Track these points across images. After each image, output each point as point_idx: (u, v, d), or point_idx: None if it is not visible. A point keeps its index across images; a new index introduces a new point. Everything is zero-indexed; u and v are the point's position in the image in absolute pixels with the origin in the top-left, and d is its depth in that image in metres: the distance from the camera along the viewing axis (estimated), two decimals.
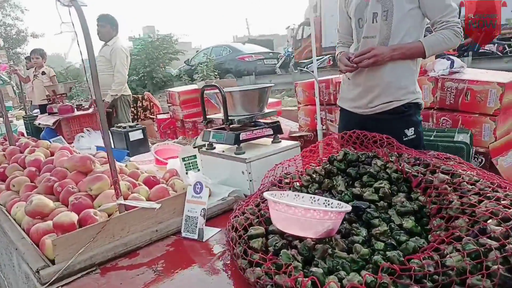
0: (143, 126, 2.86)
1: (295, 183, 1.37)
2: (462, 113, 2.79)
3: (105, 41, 4.03)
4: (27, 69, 6.41)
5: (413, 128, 1.75)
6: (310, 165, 1.49)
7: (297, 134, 3.72)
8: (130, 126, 2.84)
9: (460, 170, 1.22)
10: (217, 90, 1.74)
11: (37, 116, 4.00)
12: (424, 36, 1.72)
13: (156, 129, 6.23)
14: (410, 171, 1.24)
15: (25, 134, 3.72)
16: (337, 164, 1.39)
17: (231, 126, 1.77)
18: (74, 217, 1.19)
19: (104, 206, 1.30)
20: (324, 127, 3.54)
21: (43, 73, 5.66)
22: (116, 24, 4.01)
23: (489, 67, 6.11)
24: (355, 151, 1.44)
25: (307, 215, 0.96)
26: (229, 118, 1.74)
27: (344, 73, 1.84)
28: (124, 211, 1.29)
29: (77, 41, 1.31)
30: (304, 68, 12.81)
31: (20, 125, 4.44)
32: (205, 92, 1.85)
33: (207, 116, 1.90)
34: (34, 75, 5.76)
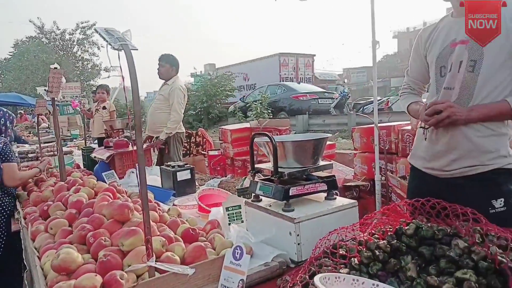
0: (191, 166, 2.79)
1: (352, 258, 1.14)
2: None
3: (165, 80, 4.15)
4: (94, 102, 6.83)
5: (503, 199, 1.44)
6: (373, 236, 1.26)
7: (353, 184, 3.44)
8: (179, 166, 2.78)
9: None
10: (267, 139, 1.59)
11: (94, 148, 4.13)
12: None
13: (207, 165, 6.24)
14: (506, 261, 0.97)
15: (81, 166, 3.83)
16: (407, 240, 1.14)
17: (280, 178, 1.59)
18: (98, 281, 1.06)
19: (133, 266, 1.16)
20: (383, 177, 3.23)
21: (104, 107, 5.97)
22: (176, 64, 4.13)
23: None
24: (428, 223, 1.19)
25: None
26: (279, 170, 1.57)
27: (425, 128, 1.59)
28: (154, 274, 1.15)
29: (123, 86, 1.26)
30: (360, 109, 12.54)
31: (77, 156, 4.63)
32: (255, 139, 1.71)
33: (256, 165, 1.75)
34: (96, 109, 6.09)
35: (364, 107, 12.47)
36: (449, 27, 1.54)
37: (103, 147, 3.90)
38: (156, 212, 1.70)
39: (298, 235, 1.46)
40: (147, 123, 4.37)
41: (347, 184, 3.41)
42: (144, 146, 4.03)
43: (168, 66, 4.08)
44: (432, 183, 1.59)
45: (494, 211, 1.43)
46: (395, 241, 1.14)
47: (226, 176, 5.48)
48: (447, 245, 1.08)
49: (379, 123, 3.52)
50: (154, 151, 4.23)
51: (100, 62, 30.11)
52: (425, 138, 1.61)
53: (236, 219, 1.87)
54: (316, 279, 0.87)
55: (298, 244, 1.46)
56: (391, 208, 1.29)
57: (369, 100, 12.58)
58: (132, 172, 3.23)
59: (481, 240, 1.07)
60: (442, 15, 1.63)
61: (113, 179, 2.98)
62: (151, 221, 1.44)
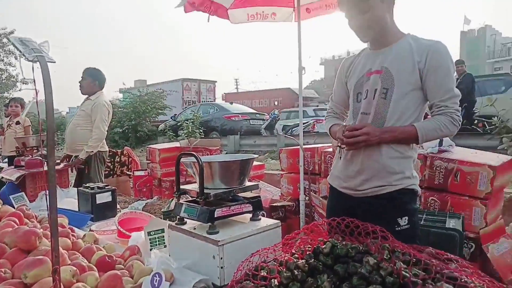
0: (113, 187, 2.64)
1: (273, 280, 1.16)
2: (451, 194, 2.66)
3: (87, 94, 3.91)
4: (6, 117, 6.19)
5: (407, 218, 1.58)
6: (293, 256, 1.29)
7: (279, 204, 3.52)
8: (99, 187, 2.62)
9: (466, 278, 1.04)
10: (194, 159, 1.57)
11: (2, 168, 3.73)
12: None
13: (132, 186, 5.95)
14: (409, 275, 1.05)
15: None
16: (323, 258, 1.19)
17: (206, 200, 1.57)
18: None
19: None
20: (307, 198, 3.36)
21: (18, 122, 5.44)
22: (99, 78, 3.92)
23: (471, 143, 6.23)
24: (344, 242, 1.26)
25: None
26: (205, 191, 1.55)
27: (341, 147, 1.70)
28: None
29: (36, 100, 1.16)
30: (289, 131, 13.01)
31: None
32: (181, 159, 1.68)
33: (181, 187, 1.71)
34: (8, 124, 5.53)
35: (293, 129, 12.95)
36: (367, 58, 1.69)
37: (12, 167, 3.54)
38: (69, 238, 1.57)
39: (221, 258, 1.44)
40: (66, 141, 4.05)
41: (274, 204, 3.48)
42: (61, 165, 3.73)
43: (90, 80, 3.86)
44: (347, 202, 1.69)
45: (399, 228, 1.56)
46: (313, 260, 1.18)
47: (152, 198, 5.27)
48: (359, 262, 1.15)
49: (305, 144, 3.69)
50: (72, 171, 3.93)
51: (16, 73, 27.55)
52: (340, 157, 1.72)
53: (159, 244, 1.79)
54: None
55: (222, 267, 1.44)
56: (310, 227, 1.34)
57: (297, 122, 13.14)
58: (46, 194, 2.96)
59: (389, 256, 1.15)
60: (364, 46, 1.78)
61: (23, 202, 2.71)
62: (62, 249, 1.33)
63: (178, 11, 2.96)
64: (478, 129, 7.83)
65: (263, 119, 14.56)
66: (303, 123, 13.20)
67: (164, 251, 1.69)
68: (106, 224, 2.22)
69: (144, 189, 5.63)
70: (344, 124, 1.79)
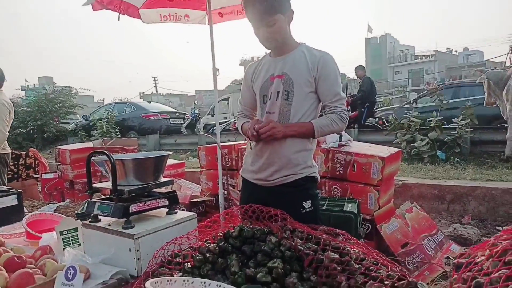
0: (18, 190, 2.48)
1: (186, 263, 1.26)
2: (350, 183, 3.03)
3: None
4: None
5: (310, 201, 1.81)
6: (206, 242, 1.41)
7: (199, 199, 3.60)
8: (2, 191, 2.44)
9: (348, 248, 1.26)
10: (106, 157, 1.59)
11: None
12: None
13: (40, 190, 5.51)
14: (303, 248, 1.23)
15: None
16: (232, 241, 1.33)
17: (120, 196, 1.61)
18: None
19: None
20: (225, 192, 3.50)
21: None
22: None
23: (373, 139, 6.97)
24: (252, 226, 1.41)
25: None
26: (119, 188, 1.59)
27: (251, 141, 1.86)
28: None
29: None
30: (210, 129, 13.07)
31: None
32: (92, 158, 1.69)
33: (93, 185, 1.71)
34: None
35: (214, 128, 13.04)
36: (269, 64, 1.88)
37: None
38: None
39: (138, 250, 1.50)
40: None
41: (194, 200, 3.56)
42: None
43: None
44: (260, 192, 1.86)
45: (304, 211, 1.78)
46: (223, 243, 1.31)
47: (64, 201, 4.95)
48: (263, 241, 1.31)
49: (226, 142, 3.82)
50: None
51: None
52: (251, 149, 1.89)
53: (73, 243, 1.77)
54: (148, 284, 0.95)
55: (138, 259, 1.50)
56: (223, 214, 1.47)
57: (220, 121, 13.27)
58: None
59: (288, 235, 1.33)
60: None
61: None
62: None
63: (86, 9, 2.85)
64: (378, 126, 8.75)
65: (184, 118, 14.40)
66: (224, 122, 13.39)
67: (79, 249, 1.68)
68: (13, 228, 2.10)
69: (55, 192, 5.25)
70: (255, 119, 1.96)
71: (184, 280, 1.08)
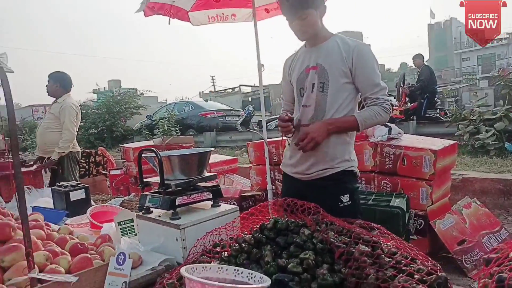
0: (86, 185, 2.76)
1: (223, 253, 1.35)
2: (400, 177, 2.92)
3: (53, 97, 4.01)
4: None
5: (348, 195, 1.80)
6: (243, 233, 1.48)
7: (248, 194, 3.71)
8: (72, 186, 2.73)
9: (381, 241, 1.26)
10: (154, 154, 1.73)
11: None
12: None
13: (109, 185, 6.01)
14: (334, 241, 1.26)
15: None
16: (267, 232, 1.39)
17: (167, 190, 1.74)
18: None
19: (14, 280, 1.20)
20: (273, 187, 3.56)
21: None
22: (62, 81, 3.99)
23: (432, 131, 6.59)
24: (286, 219, 1.46)
25: None
26: (166, 182, 1.72)
27: (287, 137, 1.90)
28: (36, 286, 1.20)
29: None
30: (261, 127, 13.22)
31: None
32: (142, 155, 1.84)
33: (145, 180, 1.87)
34: None
35: (267, 124, 13.16)
36: (304, 56, 1.89)
37: None
38: (43, 230, 1.70)
39: (183, 240, 1.62)
40: (37, 143, 4.12)
41: (244, 194, 3.67)
42: (34, 167, 3.81)
43: (52, 83, 3.95)
44: (298, 185, 1.90)
45: (342, 205, 1.78)
46: (258, 234, 1.38)
47: (129, 196, 5.36)
48: (297, 234, 1.35)
49: (274, 138, 3.89)
50: (46, 172, 4.01)
51: None
52: (289, 144, 1.92)
53: (129, 233, 1.95)
54: (183, 269, 1.04)
55: (184, 248, 1.62)
56: (258, 208, 1.54)
57: (272, 117, 13.35)
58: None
59: (322, 227, 1.36)
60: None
61: None
62: (36, 239, 1.48)
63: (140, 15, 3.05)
64: (440, 117, 8.24)
65: (239, 115, 14.70)
66: (275, 118, 13.39)
67: (135, 239, 1.85)
68: (80, 219, 2.35)
69: (121, 187, 5.71)
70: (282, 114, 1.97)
71: (218, 268, 1.16)
